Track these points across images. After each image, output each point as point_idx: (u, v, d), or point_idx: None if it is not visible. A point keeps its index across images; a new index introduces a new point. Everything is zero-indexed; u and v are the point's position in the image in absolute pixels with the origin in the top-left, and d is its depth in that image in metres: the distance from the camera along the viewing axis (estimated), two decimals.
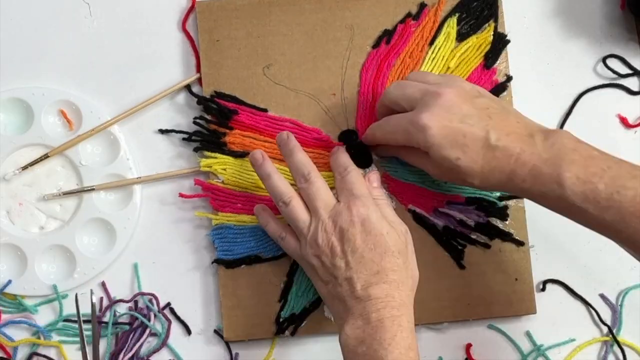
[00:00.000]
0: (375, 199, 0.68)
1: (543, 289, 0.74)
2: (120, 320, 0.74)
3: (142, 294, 0.74)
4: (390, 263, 0.63)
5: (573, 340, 0.74)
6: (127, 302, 0.74)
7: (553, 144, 0.60)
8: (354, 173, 0.68)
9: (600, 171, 0.58)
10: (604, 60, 0.77)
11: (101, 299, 0.75)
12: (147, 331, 0.74)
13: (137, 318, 0.73)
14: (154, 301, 0.74)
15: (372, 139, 0.71)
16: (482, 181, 0.63)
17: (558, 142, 0.60)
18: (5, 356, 0.73)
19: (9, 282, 0.73)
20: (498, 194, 0.74)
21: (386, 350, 0.59)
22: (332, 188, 0.72)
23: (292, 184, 0.69)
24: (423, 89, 0.65)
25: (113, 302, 0.74)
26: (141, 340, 0.73)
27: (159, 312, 0.74)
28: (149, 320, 0.74)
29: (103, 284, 0.75)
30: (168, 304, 0.74)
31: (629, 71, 0.77)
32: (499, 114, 0.63)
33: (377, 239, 0.64)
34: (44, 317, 0.75)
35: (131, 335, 0.74)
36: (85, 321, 0.73)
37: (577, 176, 0.58)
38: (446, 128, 0.62)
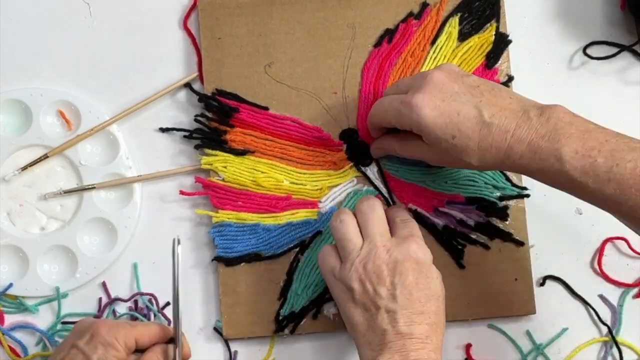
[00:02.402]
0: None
1: (542, 284, 0.74)
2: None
3: (141, 294, 0.74)
4: (434, 307, 0.63)
5: (567, 331, 0.74)
6: (125, 301, 0.74)
7: (549, 119, 0.59)
8: (416, 224, 0.68)
9: (599, 144, 0.58)
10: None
11: (100, 299, 0.74)
12: None
13: (136, 318, 0.73)
14: (154, 301, 0.74)
15: (369, 128, 0.71)
16: (480, 159, 0.62)
17: (554, 117, 0.59)
18: None
19: (10, 285, 0.73)
20: (498, 193, 0.74)
21: None
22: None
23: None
24: (413, 75, 0.65)
25: (112, 300, 0.74)
26: None
27: (158, 312, 0.74)
28: (149, 320, 0.74)
29: (103, 284, 0.74)
30: (167, 304, 0.74)
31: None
32: (490, 91, 0.62)
33: (428, 280, 0.63)
34: (44, 316, 0.74)
35: None
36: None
37: (576, 150, 0.58)
38: (439, 107, 0.61)
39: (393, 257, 0.63)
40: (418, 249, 0.64)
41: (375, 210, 0.66)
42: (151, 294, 0.74)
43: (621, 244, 0.76)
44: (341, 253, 0.66)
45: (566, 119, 0.59)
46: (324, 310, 0.73)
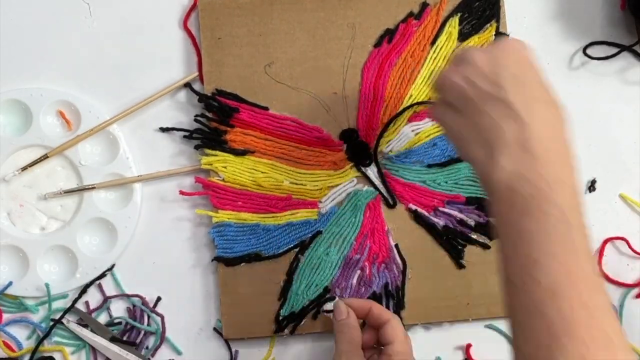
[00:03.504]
0: None
1: None
2: (116, 321, 0.74)
3: (128, 295, 0.74)
4: (545, 94, 0.55)
5: None
6: (108, 298, 0.74)
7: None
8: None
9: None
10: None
11: (87, 302, 0.74)
12: (142, 332, 0.73)
13: (127, 323, 0.73)
14: (145, 301, 0.74)
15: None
16: None
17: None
18: (9, 356, 0.73)
19: (10, 283, 0.73)
20: None
21: (555, 191, 0.51)
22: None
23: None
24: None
25: (106, 299, 0.74)
26: (139, 339, 0.73)
27: (151, 311, 0.74)
28: (147, 319, 0.74)
29: (99, 285, 0.74)
30: (159, 299, 0.74)
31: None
32: None
33: (531, 66, 0.57)
34: (44, 316, 0.74)
35: (126, 337, 0.73)
36: (83, 325, 0.73)
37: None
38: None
39: (488, 55, 0.56)
40: (516, 44, 0.57)
41: None
42: (139, 295, 0.74)
43: (621, 244, 0.76)
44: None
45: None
46: (324, 311, 0.73)
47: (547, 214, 0.51)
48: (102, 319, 0.74)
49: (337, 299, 0.71)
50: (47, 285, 0.73)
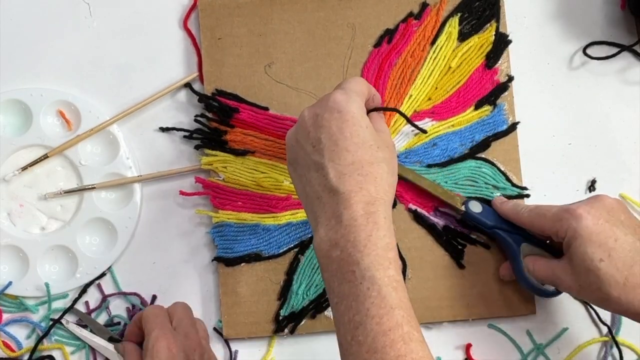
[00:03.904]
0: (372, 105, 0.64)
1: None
2: (115, 321, 0.74)
3: (125, 293, 0.74)
4: (367, 155, 0.58)
5: (567, 331, 0.74)
6: (102, 300, 0.74)
7: None
8: (357, 81, 0.63)
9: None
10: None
11: (86, 303, 0.75)
12: None
13: (126, 323, 0.73)
14: (144, 301, 0.74)
15: (514, 215, 0.69)
16: (624, 296, 0.59)
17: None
18: (8, 356, 0.73)
19: (10, 283, 0.73)
20: (498, 193, 0.74)
21: (361, 253, 0.54)
22: None
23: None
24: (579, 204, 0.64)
25: (104, 298, 0.74)
26: None
27: None
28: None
29: (99, 285, 0.74)
30: (154, 297, 0.74)
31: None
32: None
33: (355, 128, 0.58)
34: (45, 316, 0.74)
35: None
36: (82, 325, 0.73)
37: None
38: (601, 225, 0.60)
39: (313, 112, 0.60)
40: (341, 98, 0.59)
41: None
42: (136, 293, 0.74)
43: None
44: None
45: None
46: (323, 310, 0.73)
47: (357, 276, 0.54)
48: (102, 318, 0.74)
49: None
50: (47, 285, 0.73)
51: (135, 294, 0.74)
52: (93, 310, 0.74)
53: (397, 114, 0.74)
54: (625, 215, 0.62)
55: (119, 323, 0.74)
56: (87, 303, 0.74)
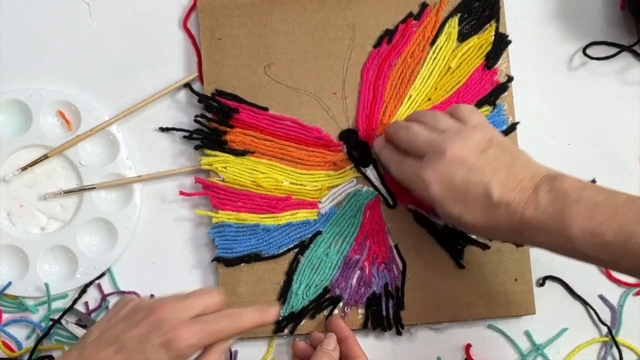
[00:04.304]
0: None
1: (542, 284, 0.75)
2: None
3: (124, 292, 0.74)
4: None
5: (567, 331, 0.74)
6: (106, 296, 0.74)
7: (557, 197, 0.58)
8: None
9: (607, 219, 0.56)
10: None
11: (86, 303, 0.75)
12: None
13: None
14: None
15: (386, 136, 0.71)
16: (491, 235, 0.64)
17: (561, 193, 0.58)
18: (8, 356, 0.73)
19: (9, 283, 0.73)
20: None
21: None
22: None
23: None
24: (430, 140, 0.64)
25: (104, 297, 0.74)
26: None
27: None
28: None
29: (98, 285, 0.74)
30: (152, 297, 0.74)
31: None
32: (505, 167, 0.61)
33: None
34: (44, 316, 0.74)
35: None
36: (81, 325, 0.73)
37: (583, 229, 0.56)
38: (448, 184, 0.61)
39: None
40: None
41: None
42: (134, 292, 0.74)
43: None
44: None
45: (574, 194, 0.58)
46: (323, 310, 0.73)
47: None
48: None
49: (332, 334, 0.71)
50: (46, 285, 0.73)
51: (135, 293, 0.74)
52: (93, 310, 0.74)
53: (399, 111, 0.74)
54: (471, 159, 0.62)
55: None
56: (86, 303, 0.74)
